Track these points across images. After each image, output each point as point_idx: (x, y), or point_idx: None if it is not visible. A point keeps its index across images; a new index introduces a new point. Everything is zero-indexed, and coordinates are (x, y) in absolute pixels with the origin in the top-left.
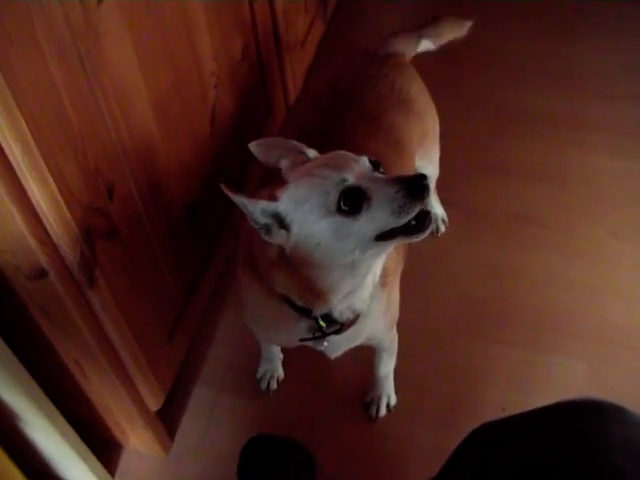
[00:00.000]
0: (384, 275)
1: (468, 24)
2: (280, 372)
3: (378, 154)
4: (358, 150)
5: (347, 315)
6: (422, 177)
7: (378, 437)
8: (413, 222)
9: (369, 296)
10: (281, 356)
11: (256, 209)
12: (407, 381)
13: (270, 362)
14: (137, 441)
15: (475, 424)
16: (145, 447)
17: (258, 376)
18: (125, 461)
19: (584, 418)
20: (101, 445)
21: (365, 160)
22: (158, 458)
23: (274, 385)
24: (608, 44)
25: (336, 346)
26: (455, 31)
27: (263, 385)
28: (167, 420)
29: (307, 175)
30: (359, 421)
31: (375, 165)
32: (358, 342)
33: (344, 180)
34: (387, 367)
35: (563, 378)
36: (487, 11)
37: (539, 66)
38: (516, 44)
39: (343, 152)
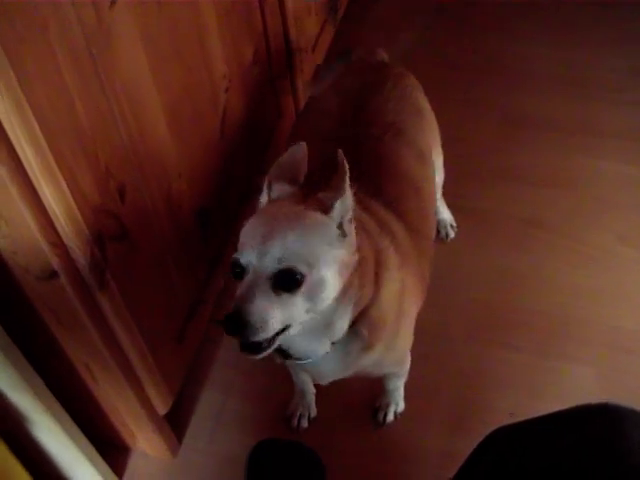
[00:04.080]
0: (374, 336)
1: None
2: (313, 409)
3: (410, 170)
4: (393, 170)
5: (305, 354)
6: (231, 318)
7: (386, 442)
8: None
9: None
10: (314, 391)
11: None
12: (416, 386)
13: (302, 397)
14: (145, 444)
15: (483, 429)
16: (153, 450)
17: (288, 412)
18: (133, 464)
19: (602, 422)
20: (109, 447)
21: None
22: (166, 461)
23: (305, 423)
24: (615, 50)
25: (321, 375)
26: None
27: (293, 423)
28: (175, 423)
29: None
30: (367, 426)
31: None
32: (348, 375)
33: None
34: (396, 384)
35: (572, 384)
36: (495, 17)
37: (546, 72)
38: (523, 50)
39: (267, 220)
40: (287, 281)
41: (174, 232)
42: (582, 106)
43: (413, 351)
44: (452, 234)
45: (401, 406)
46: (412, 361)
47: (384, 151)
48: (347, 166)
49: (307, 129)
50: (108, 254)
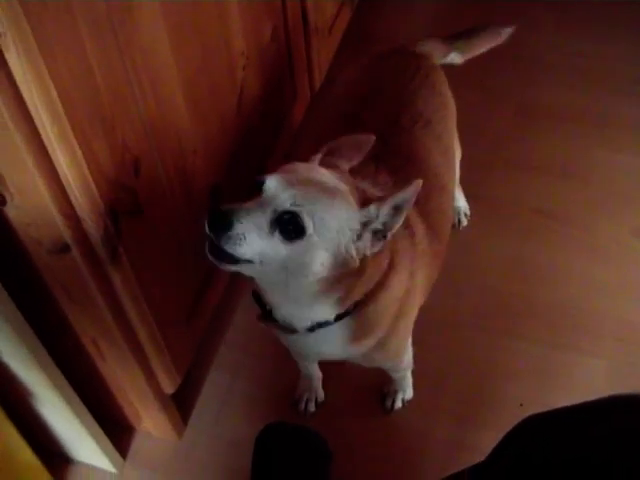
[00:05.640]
0: (363, 333)
1: (506, 32)
2: (320, 393)
3: (437, 167)
4: (422, 166)
5: (287, 323)
6: (220, 216)
7: (393, 428)
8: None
9: (312, 323)
10: (320, 375)
11: None
12: (425, 374)
13: (309, 381)
14: (150, 424)
15: (492, 420)
16: (158, 430)
17: (295, 397)
18: (137, 444)
19: (631, 413)
20: (114, 427)
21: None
22: (171, 442)
23: (312, 407)
24: (633, 42)
25: (302, 347)
26: (490, 42)
27: (301, 407)
28: (181, 404)
29: None
30: (375, 412)
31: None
32: (335, 359)
33: None
34: (402, 373)
35: (582, 376)
36: (513, 7)
37: (564, 63)
38: (541, 41)
39: (312, 171)
40: (286, 224)
41: (187, 208)
42: (598, 98)
43: (423, 339)
44: (465, 222)
45: (409, 394)
46: (422, 348)
47: (414, 145)
48: (412, 197)
49: (334, 109)
50: (121, 228)
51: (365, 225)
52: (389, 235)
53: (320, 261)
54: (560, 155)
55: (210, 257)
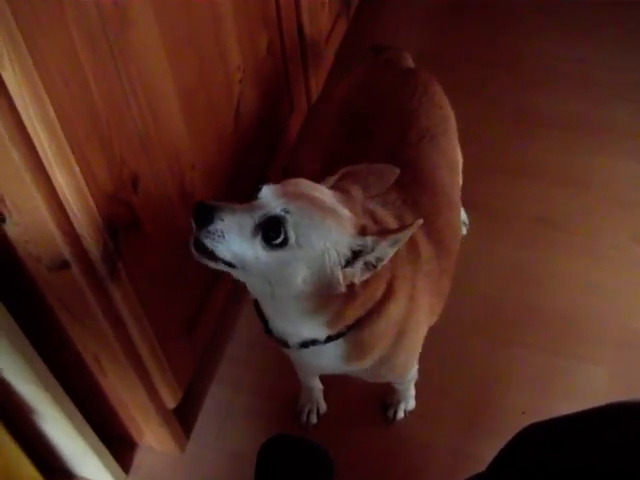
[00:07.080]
0: (358, 355)
1: None
2: (322, 405)
3: (445, 182)
4: (430, 182)
5: (280, 335)
6: (203, 209)
7: (396, 439)
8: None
9: (303, 340)
10: (321, 387)
11: None
12: (426, 383)
13: (309, 393)
14: (152, 439)
15: (494, 428)
16: (160, 445)
17: (297, 408)
18: (139, 458)
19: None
20: (116, 441)
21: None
22: (173, 456)
23: (314, 419)
24: (632, 49)
25: (300, 361)
26: None
27: (302, 419)
28: (183, 418)
29: None
30: (377, 423)
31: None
32: (335, 373)
33: None
34: (405, 385)
35: (584, 383)
36: (512, 14)
37: (562, 70)
38: (539, 48)
39: (313, 189)
40: (268, 228)
41: (186, 222)
42: (597, 105)
43: (424, 349)
44: (464, 231)
45: (411, 404)
46: (423, 357)
47: (421, 160)
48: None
49: (335, 125)
50: (120, 243)
51: (358, 254)
52: (379, 266)
53: (301, 277)
54: (559, 162)
55: (191, 248)
